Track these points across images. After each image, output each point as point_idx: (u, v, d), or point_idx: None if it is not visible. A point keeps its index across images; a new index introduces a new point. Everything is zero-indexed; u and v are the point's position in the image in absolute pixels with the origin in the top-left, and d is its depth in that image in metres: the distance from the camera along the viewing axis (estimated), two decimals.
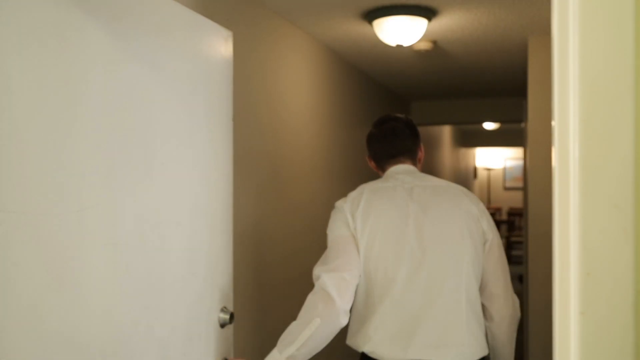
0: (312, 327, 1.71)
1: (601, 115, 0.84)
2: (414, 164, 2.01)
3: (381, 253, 1.82)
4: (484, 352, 1.83)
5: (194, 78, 1.74)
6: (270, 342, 2.75)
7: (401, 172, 1.96)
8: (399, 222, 1.84)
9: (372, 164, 2.10)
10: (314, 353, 1.75)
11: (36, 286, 1.22)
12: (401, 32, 2.85)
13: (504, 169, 12.88)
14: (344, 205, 1.89)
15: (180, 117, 1.68)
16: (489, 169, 12.87)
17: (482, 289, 1.88)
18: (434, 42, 3.46)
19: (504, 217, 11.98)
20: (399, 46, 3.17)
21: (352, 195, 1.93)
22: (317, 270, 1.80)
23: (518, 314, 1.93)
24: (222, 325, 1.86)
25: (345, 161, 3.94)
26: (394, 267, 1.80)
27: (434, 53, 3.73)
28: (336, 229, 1.87)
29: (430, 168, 6.82)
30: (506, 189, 12.88)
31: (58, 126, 1.27)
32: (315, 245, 3.37)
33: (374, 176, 1.95)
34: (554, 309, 0.87)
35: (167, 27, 1.63)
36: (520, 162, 11.48)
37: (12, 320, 1.17)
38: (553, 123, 0.87)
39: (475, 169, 12.62)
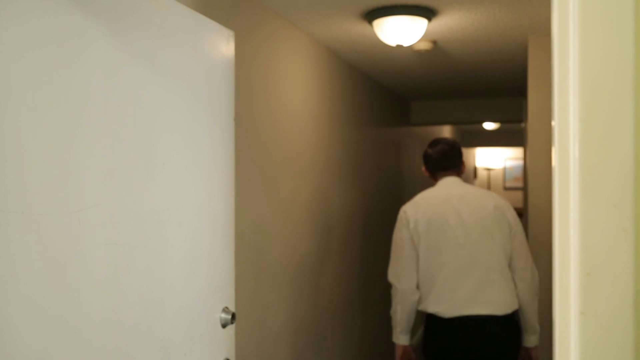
0: (398, 313, 2.66)
1: (601, 115, 0.84)
2: (459, 175, 2.80)
3: (437, 244, 2.60)
4: (514, 307, 2.58)
5: (196, 78, 1.74)
6: (270, 342, 2.75)
7: (449, 182, 2.75)
8: (449, 221, 2.61)
9: (427, 174, 2.88)
10: (412, 322, 2.69)
11: (37, 286, 1.22)
12: (401, 32, 2.85)
13: (504, 169, 12.88)
14: (407, 210, 2.69)
15: (182, 117, 1.68)
16: (489, 169, 12.86)
17: (510, 264, 2.61)
18: (434, 42, 3.46)
19: None
20: (399, 46, 3.17)
21: (415, 200, 2.74)
22: (388, 271, 2.71)
23: (536, 282, 2.63)
24: (224, 326, 1.86)
25: (346, 161, 3.94)
26: (447, 254, 2.58)
27: (434, 53, 3.73)
28: (397, 231, 2.70)
29: None
30: (506, 189, 12.87)
31: (58, 127, 1.27)
32: (316, 245, 3.37)
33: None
34: (554, 309, 0.87)
35: (168, 27, 1.63)
36: (520, 162, 11.45)
37: (14, 320, 1.17)
38: (553, 123, 0.88)
39: (475, 169, 12.62)
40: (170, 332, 1.64)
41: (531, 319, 2.65)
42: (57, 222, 1.26)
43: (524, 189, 4.75)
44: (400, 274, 2.64)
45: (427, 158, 2.84)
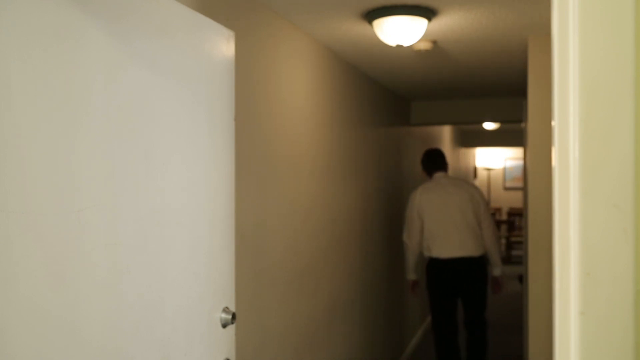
0: (410, 261, 4.53)
1: (601, 115, 0.84)
2: (446, 171, 4.54)
3: (436, 214, 4.34)
4: (482, 252, 4.33)
5: (196, 78, 1.74)
6: (270, 342, 2.75)
7: (440, 176, 4.49)
8: (440, 201, 4.35)
9: (424, 173, 4.61)
10: (417, 264, 4.56)
11: (37, 286, 1.22)
12: (401, 32, 2.85)
13: (504, 169, 12.88)
14: (415, 195, 4.44)
15: (182, 116, 1.68)
16: (489, 169, 12.87)
17: (479, 225, 4.32)
18: (434, 42, 3.46)
19: (504, 217, 11.96)
20: (399, 46, 3.17)
21: (419, 189, 4.46)
22: (403, 234, 4.55)
23: (496, 233, 4.41)
24: (224, 326, 1.86)
25: (346, 160, 3.94)
26: (442, 219, 4.32)
27: (434, 53, 3.73)
28: (409, 209, 4.46)
29: None
30: (506, 189, 12.88)
31: (58, 126, 1.27)
32: (316, 244, 3.37)
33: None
34: (554, 309, 0.87)
35: (168, 27, 1.63)
36: (520, 162, 11.45)
37: (14, 320, 1.17)
38: (553, 123, 0.88)
39: (475, 169, 12.62)
40: (170, 332, 1.64)
41: (495, 256, 4.41)
42: (57, 222, 1.26)
43: (524, 189, 4.75)
44: (411, 236, 4.43)
45: (424, 162, 4.61)
